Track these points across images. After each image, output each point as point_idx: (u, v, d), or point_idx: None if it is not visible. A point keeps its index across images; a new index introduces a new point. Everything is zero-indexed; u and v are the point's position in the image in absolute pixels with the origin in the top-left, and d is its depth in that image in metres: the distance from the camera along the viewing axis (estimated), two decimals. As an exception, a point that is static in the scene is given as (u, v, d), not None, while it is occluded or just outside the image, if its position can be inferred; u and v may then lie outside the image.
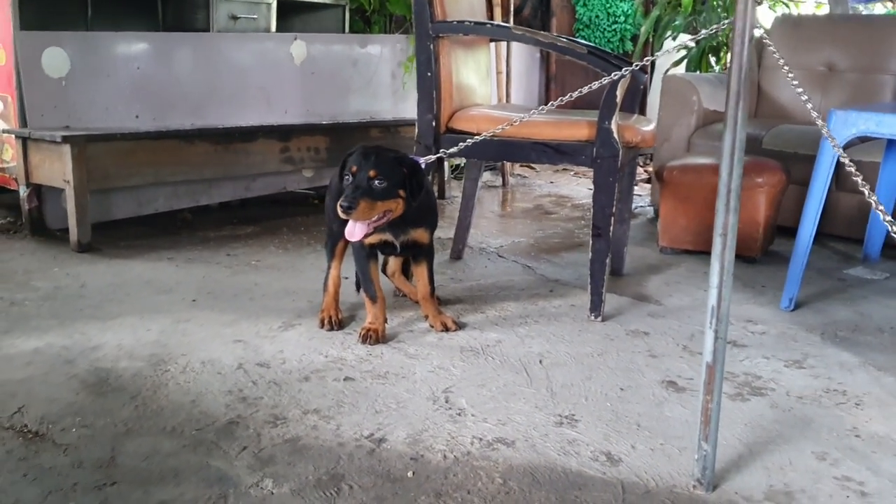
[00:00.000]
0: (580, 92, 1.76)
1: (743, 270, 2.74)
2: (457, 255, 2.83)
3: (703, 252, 2.84)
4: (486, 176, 4.68)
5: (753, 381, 1.80)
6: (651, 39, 4.77)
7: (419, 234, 2.02)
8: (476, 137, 2.02)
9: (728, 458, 1.44)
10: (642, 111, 2.64)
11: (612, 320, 2.20)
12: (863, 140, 2.82)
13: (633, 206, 3.55)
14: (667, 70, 4.39)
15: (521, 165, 5.22)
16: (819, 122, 1.38)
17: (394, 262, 2.33)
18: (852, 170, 1.28)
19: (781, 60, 1.35)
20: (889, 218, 1.21)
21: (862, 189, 1.25)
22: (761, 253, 2.87)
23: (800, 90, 1.39)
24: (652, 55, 1.92)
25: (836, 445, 1.50)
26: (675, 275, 2.70)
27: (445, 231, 2.98)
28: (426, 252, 2.08)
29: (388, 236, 1.97)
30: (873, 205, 1.24)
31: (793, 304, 2.32)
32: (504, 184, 4.60)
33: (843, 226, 3.09)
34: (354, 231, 1.83)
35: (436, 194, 2.55)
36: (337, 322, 2.08)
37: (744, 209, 2.75)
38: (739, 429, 1.56)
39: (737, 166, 1.23)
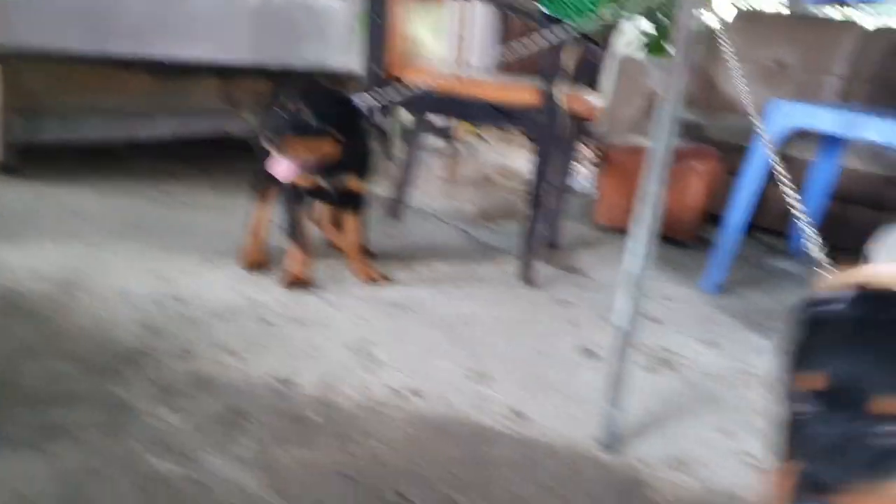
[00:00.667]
0: (522, 46, 1.74)
1: (673, 253, 2.78)
2: (395, 213, 2.80)
3: (638, 232, 2.87)
4: (437, 144, 4.64)
5: (665, 355, 1.83)
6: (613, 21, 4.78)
7: (353, 182, 1.98)
8: (419, 88, 1.99)
9: (633, 426, 1.46)
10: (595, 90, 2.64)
11: (541, 289, 2.21)
12: (803, 136, 2.88)
13: (576, 184, 3.58)
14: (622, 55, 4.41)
15: (473, 134, 5.20)
16: (751, 111, 1.40)
17: (323, 210, 2.29)
18: (775, 161, 1.29)
19: (727, 48, 1.36)
20: (804, 218, 1.21)
21: (783, 183, 1.26)
22: (693, 238, 2.92)
23: (740, 75, 1.40)
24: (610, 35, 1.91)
25: (738, 423, 1.55)
26: (607, 251, 2.73)
27: (386, 190, 2.94)
28: (358, 201, 2.05)
29: (320, 180, 1.93)
30: (791, 203, 1.24)
31: (715, 288, 2.37)
32: (452, 151, 4.58)
33: (776, 219, 3.16)
34: (284, 170, 1.79)
35: (382, 153, 2.51)
36: (260, 264, 2.03)
37: (678, 193, 2.80)
38: (647, 398, 1.59)
39: (669, 138, 1.24)
